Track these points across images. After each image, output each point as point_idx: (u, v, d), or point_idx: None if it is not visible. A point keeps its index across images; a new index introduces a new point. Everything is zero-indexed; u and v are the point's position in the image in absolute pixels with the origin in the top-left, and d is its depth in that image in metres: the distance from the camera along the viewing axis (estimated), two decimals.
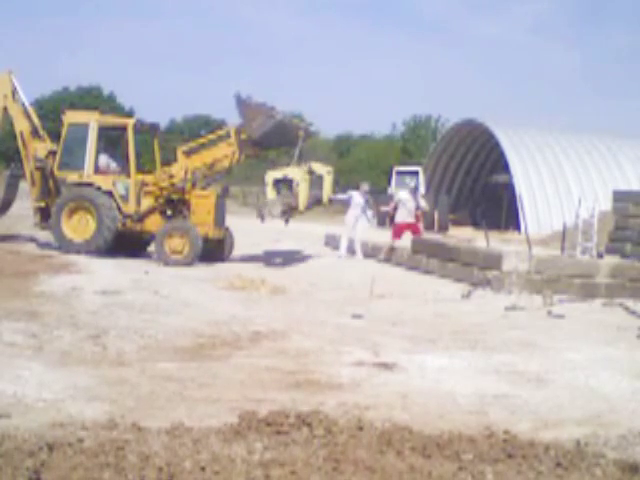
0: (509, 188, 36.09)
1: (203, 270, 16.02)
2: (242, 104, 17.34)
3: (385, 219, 27.85)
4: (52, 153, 18.42)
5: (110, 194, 17.69)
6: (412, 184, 23.24)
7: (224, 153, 17.70)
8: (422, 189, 33.87)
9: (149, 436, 5.15)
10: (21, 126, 18.72)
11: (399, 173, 38.20)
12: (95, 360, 7.70)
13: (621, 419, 6.33)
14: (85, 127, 17.90)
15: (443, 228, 34.10)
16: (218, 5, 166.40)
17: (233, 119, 18.88)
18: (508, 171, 36.26)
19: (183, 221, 17.56)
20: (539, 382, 7.52)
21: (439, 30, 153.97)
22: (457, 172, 44.08)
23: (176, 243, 17.08)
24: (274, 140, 17.88)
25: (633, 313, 12.25)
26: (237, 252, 18.96)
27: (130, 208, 17.81)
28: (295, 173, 17.22)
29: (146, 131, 19.61)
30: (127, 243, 18.03)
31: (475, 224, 34.67)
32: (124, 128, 18.29)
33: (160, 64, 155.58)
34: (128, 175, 18.07)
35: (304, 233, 23.91)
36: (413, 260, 17.62)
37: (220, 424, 5.52)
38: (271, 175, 17.43)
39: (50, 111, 47.14)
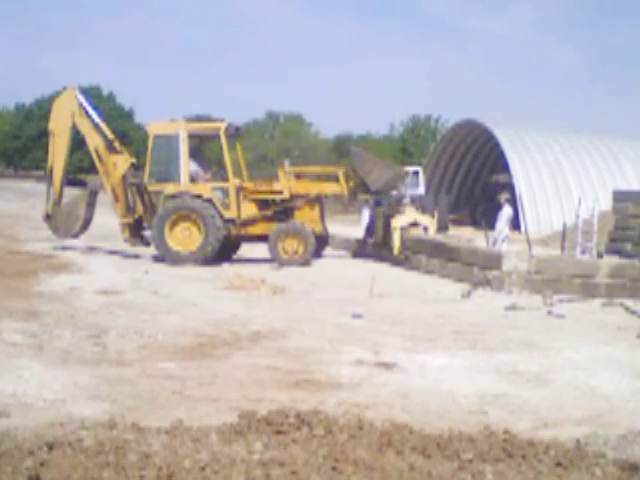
0: (509, 188, 36.04)
1: (203, 270, 16.01)
2: (359, 157, 18.80)
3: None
4: (133, 165, 18.20)
5: (210, 201, 17.49)
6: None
7: (332, 190, 18.98)
8: (421, 189, 33.93)
9: (149, 436, 5.15)
10: (95, 142, 18.35)
11: None
12: (95, 360, 7.70)
13: (621, 419, 6.33)
14: (174, 137, 17.61)
15: (443, 228, 34.04)
16: (218, 5, 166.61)
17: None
18: (508, 171, 36.24)
19: (296, 222, 17.73)
20: (539, 382, 7.51)
21: (440, 29, 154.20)
22: (457, 172, 44.03)
23: (290, 244, 17.31)
24: (387, 187, 18.94)
25: (633, 313, 12.24)
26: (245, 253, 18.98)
27: (232, 213, 17.73)
28: (425, 219, 18.56)
29: (232, 135, 18.91)
30: (220, 249, 17.77)
31: (475, 224, 34.63)
32: (216, 133, 18.08)
33: (160, 64, 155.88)
34: (224, 181, 17.93)
35: None
36: (413, 260, 17.62)
37: (220, 423, 5.52)
38: (400, 220, 18.10)
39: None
